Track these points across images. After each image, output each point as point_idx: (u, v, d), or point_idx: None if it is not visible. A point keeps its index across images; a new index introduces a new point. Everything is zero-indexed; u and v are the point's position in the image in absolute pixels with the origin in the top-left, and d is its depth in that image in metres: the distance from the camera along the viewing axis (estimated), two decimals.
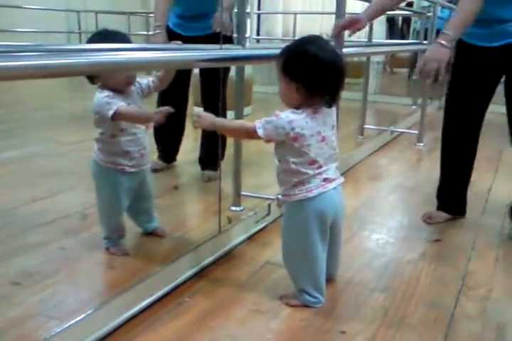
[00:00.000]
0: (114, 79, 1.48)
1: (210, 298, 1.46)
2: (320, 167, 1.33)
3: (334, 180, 1.36)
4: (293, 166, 1.32)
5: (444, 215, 2.11)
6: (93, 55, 0.96)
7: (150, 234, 1.80)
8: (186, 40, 1.91)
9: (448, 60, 1.61)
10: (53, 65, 0.85)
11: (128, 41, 1.51)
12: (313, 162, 1.32)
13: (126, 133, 1.52)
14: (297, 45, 1.31)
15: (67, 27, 7.51)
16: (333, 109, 1.37)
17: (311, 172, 1.32)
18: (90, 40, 1.52)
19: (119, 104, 1.44)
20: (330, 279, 1.52)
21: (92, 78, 1.51)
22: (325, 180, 1.34)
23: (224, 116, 2.47)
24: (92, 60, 0.94)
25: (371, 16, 1.90)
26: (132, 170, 1.58)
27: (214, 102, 2.44)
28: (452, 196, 2.13)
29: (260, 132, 1.28)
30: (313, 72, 1.26)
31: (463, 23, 1.63)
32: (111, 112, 1.43)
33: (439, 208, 2.13)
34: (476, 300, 1.50)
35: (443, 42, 1.60)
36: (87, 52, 0.97)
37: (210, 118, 1.36)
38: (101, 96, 1.47)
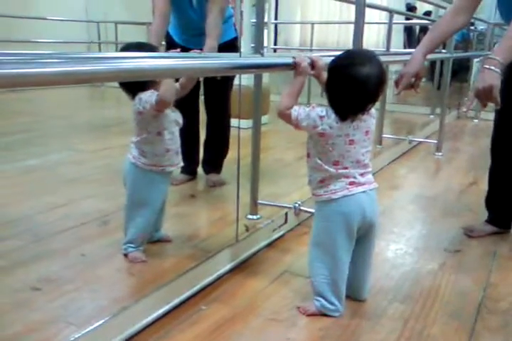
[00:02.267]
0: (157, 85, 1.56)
1: (227, 306, 1.46)
2: (345, 168, 1.33)
3: (363, 184, 1.35)
4: (318, 161, 1.34)
5: (488, 228, 2.05)
6: (117, 62, 0.97)
7: (154, 241, 1.80)
8: (189, 51, 1.93)
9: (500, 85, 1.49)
10: (80, 72, 0.86)
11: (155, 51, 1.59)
12: (336, 163, 1.32)
13: (168, 131, 1.61)
14: (336, 56, 1.34)
15: (87, 37, 7.66)
16: (372, 114, 1.36)
17: (333, 170, 1.32)
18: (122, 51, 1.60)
19: None
20: (356, 299, 1.50)
21: (133, 93, 1.57)
22: (351, 183, 1.33)
23: (227, 124, 2.50)
24: (117, 67, 0.95)
25: (426, 55, 1.83)
26: (170, 169, 1.66)
27: (217, 110, 2.47)
28: (502, 209, 2.06)
29: (294, 114, 1.33)
30: (332, 83, 1.32)
31: (511, 49, 1.53)
32: (154, 98, 1.52)
33: (488, 220, 2.07)
34: (498, 313, 1.47)
35: (491, 67, 1.49)
36: (110, 60, 0.98)
37: (301, 72, 1.37)
38: (145, 92, 1.55)
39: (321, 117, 1.30)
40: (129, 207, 1.67)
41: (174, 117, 1.63)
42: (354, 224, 1.35)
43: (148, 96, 1.53)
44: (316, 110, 1.32)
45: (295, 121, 1.33)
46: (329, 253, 1.38)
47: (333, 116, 1.30)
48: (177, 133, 1.66)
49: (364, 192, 1.35)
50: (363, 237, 1.41)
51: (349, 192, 1.33)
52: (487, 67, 1.50)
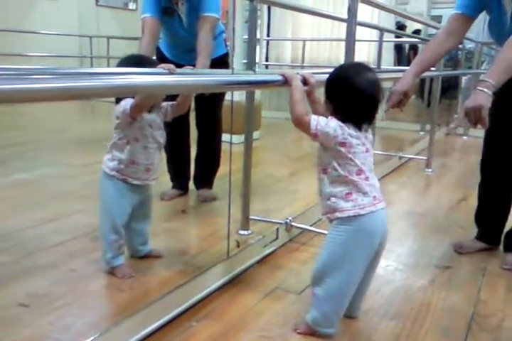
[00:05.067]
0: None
1: (218, 323, 1.45)
2: (367, 179, 1.32)
3: (381, 201, 1.35)
4: (342, 172, 1.30)
5: (477, 245, 2.06)
6: (109, 79, 0.98)
7: (143, 257, 1.79)
8: (180, 67, 1.96)
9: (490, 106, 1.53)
10: (72, 88, 0.87)
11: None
12: (359, 172, 1.31)
13: (139, 143, 1.61)
14: (337, 68, 1.37)
15: (79, 51, 7.69)
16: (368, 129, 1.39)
17: (359, 180, 1.30)
18: (120, 64, 1.61)
19: None
20: (350, 316, 1.47)
21: (117, 99, 1.60)
22: (375, 198, 1.33)
23: (218, 139, 2.52)
24: (109, 83, 0.95)
25: (417, 75, 1.87)
26: (135, 182, 1.64)
27: (208, 125, 2.49)
28: (492, 225, 2.08)
29: (313, 123, 1.29)
30: (342, 95, 1.32)
31: (503, 71, 1.57)
32: (129, 105, 1.54)
33: (478, 237, 2.09)
34: (489, 329, 1.48)
35: (483, 89, 1.53)
36: (102, 76, 0.99)
37: (294, 81, 1.37)
38: (125, 99, 1.56)
39: (342, 127, 1.29)
40: (100, 214, 1.68)
41: (154, 134, 1.63)
42: (376, 243, 1.34)
43: (126, 104, 1.55)
44: (335, 120, 1.30)
45: (314, 130, 1.29)
46: (344, 271, 1.33)
47: (351, 126, 1.30)
48: (153, 151, 1.64)
49: (383, 209, 1.35)
50: (373, 257, 1.38)
51: (375, 208, 1.32)
52: (480, 88, 1.54)
